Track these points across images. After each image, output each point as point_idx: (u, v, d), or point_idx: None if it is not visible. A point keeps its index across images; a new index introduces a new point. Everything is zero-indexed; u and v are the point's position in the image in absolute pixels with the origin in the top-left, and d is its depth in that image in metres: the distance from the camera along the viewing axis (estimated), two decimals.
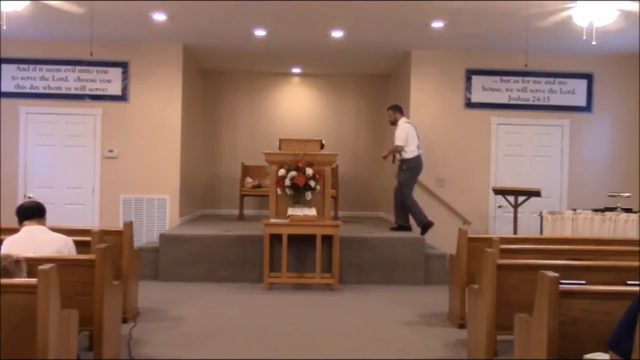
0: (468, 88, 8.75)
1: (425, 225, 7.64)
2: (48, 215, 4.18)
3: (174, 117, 8.67)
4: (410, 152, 7.68)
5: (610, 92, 8.78)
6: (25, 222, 4.01)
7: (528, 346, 3.16)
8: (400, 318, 5.58)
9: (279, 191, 6.99)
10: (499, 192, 7.74)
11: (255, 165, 9.65)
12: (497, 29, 7.43)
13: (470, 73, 8.74)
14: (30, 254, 3.68)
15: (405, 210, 7.85)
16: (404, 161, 7.72)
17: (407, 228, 7.82)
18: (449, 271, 5.83)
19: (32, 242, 3.90)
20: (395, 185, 7.93)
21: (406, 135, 7.66)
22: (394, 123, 7.86)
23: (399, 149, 7.65)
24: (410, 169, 7.72)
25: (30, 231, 3.97)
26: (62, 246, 3.99)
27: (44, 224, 4.08)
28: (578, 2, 5.94)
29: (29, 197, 8.33)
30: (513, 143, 8.76)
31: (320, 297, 6.41)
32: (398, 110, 7.96)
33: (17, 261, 3.18)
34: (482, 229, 8.46)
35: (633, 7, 6.04)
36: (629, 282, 3.54)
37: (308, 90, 10.97)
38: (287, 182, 6.86)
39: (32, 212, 4.04)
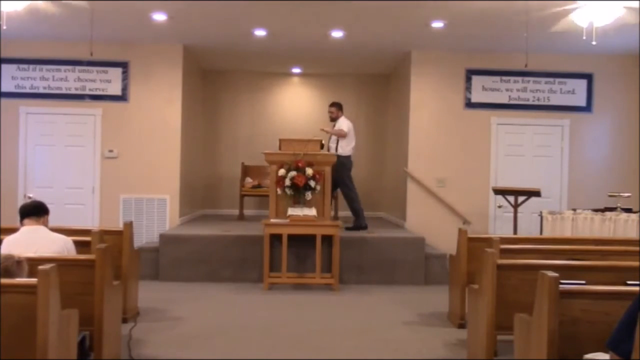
0: (468, 88, 8.75)
1: (359, 227, 7.78)
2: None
3: (174, 117, 8.67)
4: (347, 150, 7.85)
5: (610, 92, 8.78)
6: (25, 221, 4.01)
7: (528, 346, 3.16)
8: (400, 318, 5.59)
9: (279, 191, 6.99)
10: (499, 192, 7.74)
11: (255, 165, 9.66)
12: (497, 29, 7.43)
13: (470, 73, 8.74)
14: (29, 254, 3.67)
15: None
16: (338, 157, 7.73)
17: (365, 227, 7.85)
18: (449, 271, 5.83)
19: (31, 242, 3.88)
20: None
21: (349, 130, 7.87)
22: (335, 120, 8.06)
23: (343, 134, 7.80)
24: (345, 164, 7.78)
25: (29, 231, 3.96)
26: (61, 247, 3.98)
27: (45, 224, 4.08)
28: (578, 2, 5.94)
29: (29, 197, 8.34)
30: (513, 143, 8.76)
31: (320, 297, 6.41)
32: (340, 108, 8.18)
33: (19, 261, 3.18)
34: (482, 229, 8.46)
35: (633, 6, 6.03)
36: (629, 282, 3.54)
37: (308, 90, 10.97)
38: (287, 182, 6.86)
39: (33, 210, 4.04)
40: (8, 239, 3.91)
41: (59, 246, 3.98)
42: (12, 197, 8.27)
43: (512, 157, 8.75)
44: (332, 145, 7.97)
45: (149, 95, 8.63)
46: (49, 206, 4.23)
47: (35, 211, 4.04)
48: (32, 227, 3.98)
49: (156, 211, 8.57)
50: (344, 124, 7.94)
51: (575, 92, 8.76)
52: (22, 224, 4.04)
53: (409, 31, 7.69)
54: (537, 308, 3.00)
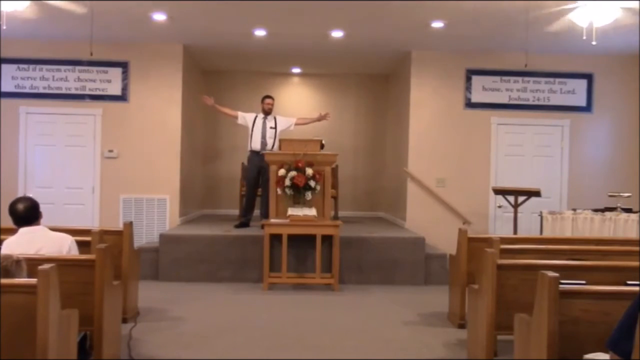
0: (468, 88, 8.75)
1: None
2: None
3: (174, 117, 8.67)
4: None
5: (610, 92, 8.78)
6: (20, 229, 3.91)
7: (528, 346, 3.16)
8: (400, 318, 5.58)
9: (279, 191, 6.98)
10: (499, 192, 7.74)
11: None
12: (497, 29, 7.42)
13: (470, 73, 8.74)
14: (31, 254, 3.66)
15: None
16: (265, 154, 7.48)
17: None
18: (449, 271, 5.82)
19: (32, 243, 3.85)
20: (263, 179, 7.70)
21: None
22: (270, 112, 8.07)
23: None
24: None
25: (28, 232, 3.89)
26: (63, 246, 3.96)
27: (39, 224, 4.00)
28: (578, 2, 5.94)
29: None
30: (513, 143, 8.76)
31: (320, 297, 6.41)
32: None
33: (17, 261, 3.18)
34: (482, 229, 8.46)
35: (633, 6, 6.03)
36: (629, 282, 3.54)
37: (308, 90, 10.97)
38: (287, 182, 6.86)
39: (25, 219, 3.91)
40: (7, 242, 3.85)
41: (61, 245, 3.95)
42: (12, 197, 8.11)
43: (512, 157, 8.75)
44: (270, 141, 7.84)
45: (149, 95, 8.63)
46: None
47: (28, 220, 3.91)
48: (30, 228, 3.90)
49: (156, 211, 8.57)
50: (283, 117, 8.18)
51: (575, 92, 8.76)
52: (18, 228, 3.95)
53: (409, 31, 7.69)
54: (537, 308, 3.00)
